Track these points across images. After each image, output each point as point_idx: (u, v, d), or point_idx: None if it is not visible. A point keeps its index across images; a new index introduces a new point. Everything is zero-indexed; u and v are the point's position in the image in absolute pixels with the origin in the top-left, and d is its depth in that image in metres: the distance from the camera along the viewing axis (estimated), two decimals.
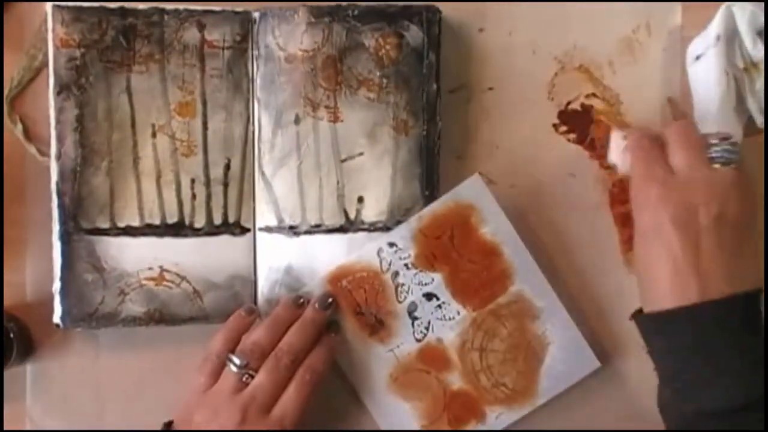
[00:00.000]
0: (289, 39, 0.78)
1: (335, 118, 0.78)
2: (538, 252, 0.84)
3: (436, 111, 0.79)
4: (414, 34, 0.78)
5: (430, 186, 0.79)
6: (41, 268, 0.80)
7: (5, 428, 0.81)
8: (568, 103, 0.85)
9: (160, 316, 0.78)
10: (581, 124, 0.85)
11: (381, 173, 0.79)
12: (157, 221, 0.78)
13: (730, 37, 0.79)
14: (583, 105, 0.85)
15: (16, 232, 0.81)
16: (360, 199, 0.79)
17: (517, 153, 0.85)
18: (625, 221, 0.85)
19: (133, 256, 0.78)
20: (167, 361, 0.83)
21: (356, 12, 0.77)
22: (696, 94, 0.83)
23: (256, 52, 0.79)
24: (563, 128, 0.85)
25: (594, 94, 0.85)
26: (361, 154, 0.79)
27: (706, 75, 0.80)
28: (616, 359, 0.86)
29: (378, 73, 0.78)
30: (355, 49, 0.78)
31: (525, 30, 0.85)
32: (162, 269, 0.78)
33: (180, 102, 0.78)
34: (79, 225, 0.77)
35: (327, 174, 0.79)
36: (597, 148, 0.85)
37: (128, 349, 0.82)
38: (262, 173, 0.79)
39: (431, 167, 0.79)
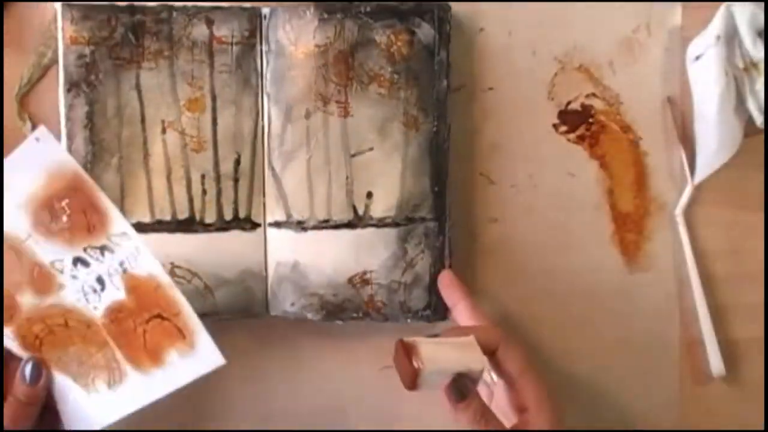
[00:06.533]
0: (300, 34, 0.78)
1: (346, 113, 0.79)
2: (539, 252, 0.85)
3: (446, 108, 0.80)
4: (425, 31, 0.79)
5: (440, 182, 0.80)
6: None
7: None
8: (568, 103, 0.86)
9: None
10: (581, 124, 0.86)
11: (391, 169, 0.79)
12: (167, 217, 0.78)
13: (730, 37, 0.79)
14: (583, 105, 0.86)
15: None
16: (369, 195, 0.79)
17: (517, 153, 0.86)
18: (624, 221, 0.86)
19: None
20: None
21: (368, 9, 0.78)
22: (696, 94, 0.84)
23: (266, 47, 0.79)
24: (563, 128, 0.86)
25: (594, 94, 0.86)
26: (371, 149, 0.79)
27: (706, 75, 0.81)
28: (619, 359, 0.86)
29: (389, 69, 0.79)
30: (366, 45, 0.78)
31: (525, 30, 0.85)
32: (173, 265, 0.78)
33: (189, 98, 0.78)
34: None
35: (336, 169, 0.79)
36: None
37: None
38: (272, 168, 0.79)
39: (441, 163, 0.80)
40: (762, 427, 0.85)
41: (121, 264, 0.71)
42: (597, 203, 0.86)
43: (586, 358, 0.86)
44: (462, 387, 0.67)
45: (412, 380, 0.65)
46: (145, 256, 0.70)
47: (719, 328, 0.86)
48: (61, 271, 0.71)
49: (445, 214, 0.80)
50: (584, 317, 0.86)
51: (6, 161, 0.69)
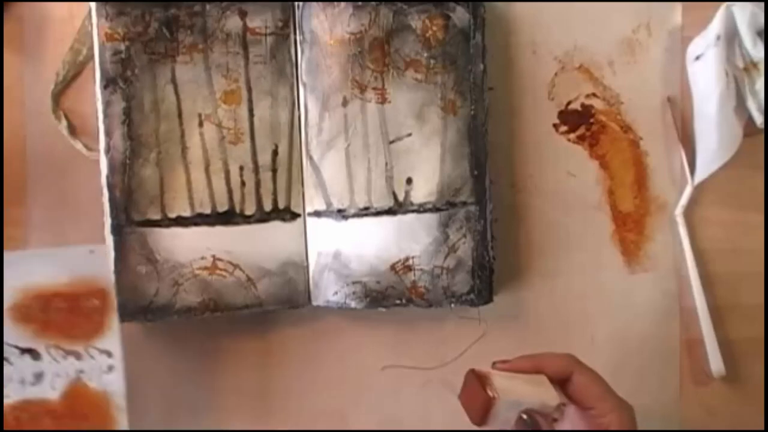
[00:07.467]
0: (335, 22, 0.78)
1: (383, 100, 0.79)
2: (539, 252, 0.85)
3: (484, 91, 0.79)
4: (460, 15, 0.79)
5: (479, 166, 0.79)
6: None
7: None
8: (568, 103, 0.86)
9: (215, 306, 0.78)
10: (581, 124, 0.86)
11: (430, 154, 0.79)
12: (207, 210, 0.78)
13: (730, 37, 0.80)
14: (583, 105, 0.86)
15: (16, 232, 0.81)
16: (409, 181, 0.79)
17: (517, 153, 0.86)
18: (624, 221, 0.86)
19: (186, 247, 0.77)
20: (166, 362, 0.83)
21: None
22: (696, 94, 0.84)
23: (300, 37, 0.79)
24: (563, 128, 0.86)
25: (594, 94, 0.86)
26: (409, 134, 0.79)
27: (705, 75, 0.81)
28: (619, 359, 0.86)
29: (425, 54, 0.79)
30: (402, 30, 0.78)
31: (525, 30, 0.85)
32: (215, 258, 0.78)
33: (225, 90, 0.78)
34: (131, 217, 0.77)
35: (375, 156, 0.79)
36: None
37: (127, 349, 0.81)
38: (310, 157, 0.79)
39: (480, 147, 0.79)
40: (762, 427, 0.85)
41: (80, 372, 0.72)
42: (597, 203, 0.86)
43: (586, 357, 0.85)
44: (533, 424, 0.63)
45: (485, 410, 0.61)
46: (116, 377, 0.72)
47: (719, 328, 0.85)
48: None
49: (485, 198, 0.80)
50: (584, 317, 0.86)
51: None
